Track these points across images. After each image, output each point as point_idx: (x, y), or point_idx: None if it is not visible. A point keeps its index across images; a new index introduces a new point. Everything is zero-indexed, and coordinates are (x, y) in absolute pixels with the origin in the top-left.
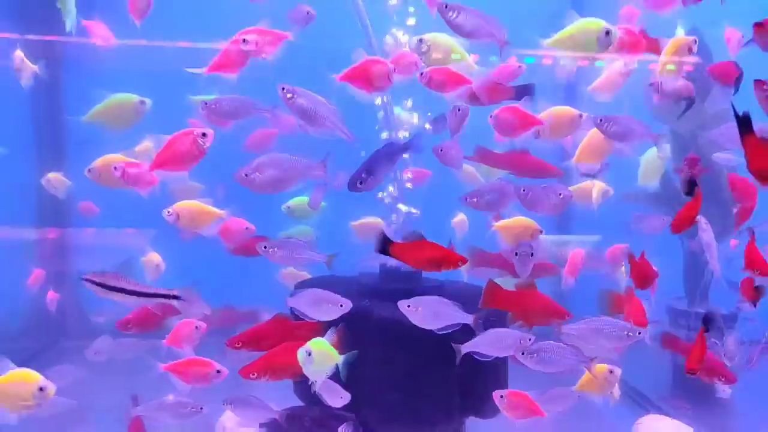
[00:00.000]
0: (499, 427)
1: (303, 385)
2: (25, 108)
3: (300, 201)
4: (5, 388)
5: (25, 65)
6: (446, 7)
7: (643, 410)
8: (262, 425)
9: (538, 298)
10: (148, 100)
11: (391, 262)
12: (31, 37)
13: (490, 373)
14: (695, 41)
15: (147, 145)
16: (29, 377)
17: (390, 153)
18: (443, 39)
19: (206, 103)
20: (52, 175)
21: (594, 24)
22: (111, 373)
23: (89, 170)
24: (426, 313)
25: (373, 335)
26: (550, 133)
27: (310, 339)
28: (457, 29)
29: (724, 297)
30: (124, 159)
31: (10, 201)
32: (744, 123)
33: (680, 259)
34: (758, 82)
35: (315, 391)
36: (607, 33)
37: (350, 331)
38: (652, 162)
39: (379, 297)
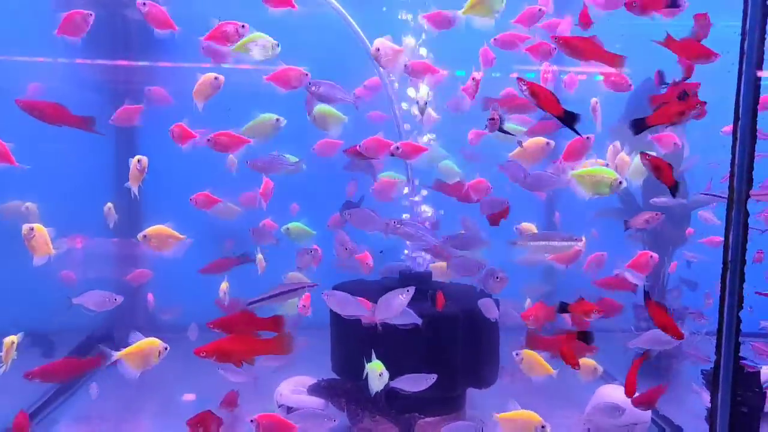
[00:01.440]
0: (490, 394)
1: (339, 362)
2: (109, 134)
3: (296, 225)
4: (138, 351)
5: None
6: (310, 83)
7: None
8: (309, 390)
9: (569, 341)
10: (282, 119)
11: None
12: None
13: (484, 355)
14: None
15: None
16: (154, 342)
17: None
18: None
19: (248, 162)
20: (108, 205)
21: (612, 174)
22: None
23: (144, 236)
24: (336, 301)
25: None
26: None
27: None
28: (319, 98)
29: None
30: (169, 231)
31: (95, 216)
32: (645, 295)
33: None
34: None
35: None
36: (620, 183)
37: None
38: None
39: None
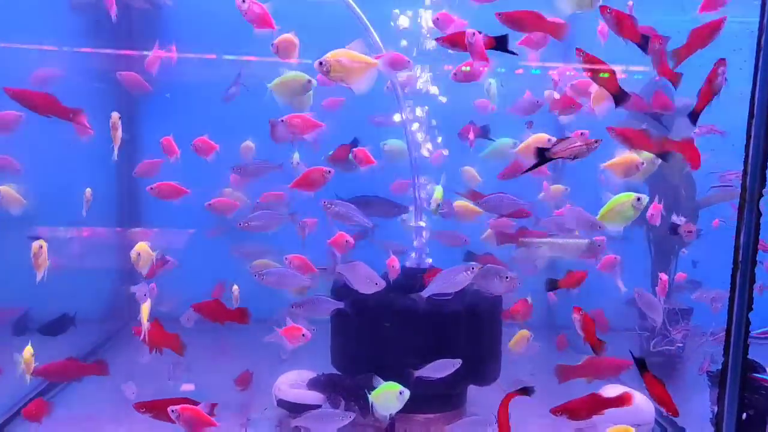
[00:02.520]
0: (490, 392)
1: (339, 356)
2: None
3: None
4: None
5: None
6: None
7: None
8: (308, 385)
9: (602, 362)
10: (313, 80)
11: (411, 263)
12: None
13: (486, 352)
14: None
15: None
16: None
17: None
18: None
19: (233, 168)
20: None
21: (629, 196)
22: None
23: (138, 254)
24: (273, 278)
25: (395, 319)
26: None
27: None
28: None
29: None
30: (147, 249)
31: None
32: (641, 365)
33: (648, 262)
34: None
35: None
36: (639, 199)
37: (379, 316)
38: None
39: (401, 290)
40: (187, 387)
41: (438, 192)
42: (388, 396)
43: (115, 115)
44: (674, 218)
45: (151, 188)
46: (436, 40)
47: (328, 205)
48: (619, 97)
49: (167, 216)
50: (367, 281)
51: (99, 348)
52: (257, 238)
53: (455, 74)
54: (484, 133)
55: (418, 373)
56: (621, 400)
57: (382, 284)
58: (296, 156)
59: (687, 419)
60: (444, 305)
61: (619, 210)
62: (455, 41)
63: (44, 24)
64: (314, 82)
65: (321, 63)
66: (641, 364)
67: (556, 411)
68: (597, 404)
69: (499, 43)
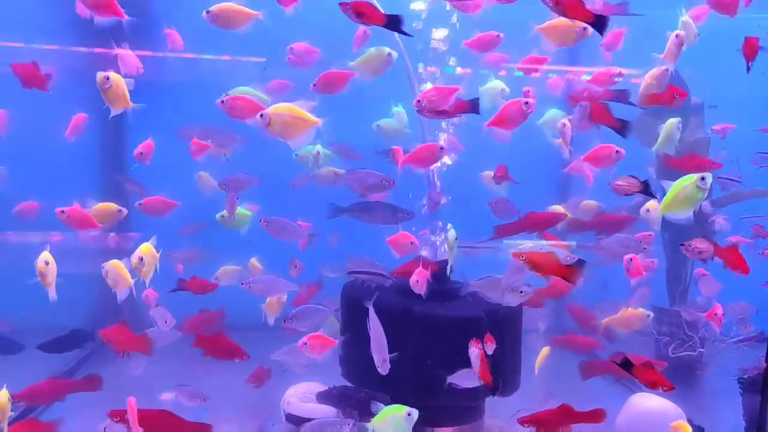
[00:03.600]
0: (512, 403)
1: (350, 367)
2: (94, 124)
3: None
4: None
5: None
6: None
7: (632, 392)
8: (318, 398)
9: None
10: (394, 52)
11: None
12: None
13: (509, 361)
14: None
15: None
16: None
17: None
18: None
19: (219, 182)
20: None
21: (690, 178)
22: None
23: (140, 259)
24: (261, 286)
25: (413, 327)
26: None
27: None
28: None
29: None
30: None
31: None
32: (625, 364)
33: (663, 267)
34: None
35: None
36: (703, 178)
37: (393, 324)
38: (672, 131)
39: (415, 295)
40: (167, 396)
41: (451, 233)
42: (394, 420)
43: (100, 74)
44: (705, 205)
45: (62, 211)
46: (340, 5)
47: (264, 223)
48: (599, 24)
49: (156, 220)
50: (376, 344)
51: (86, 360)
52: (192, 241)
53: (418, 101)
54: (473, 107)
55: (450, 379)
56: (594, 416)
57: (386, 370)
58: (318, 147)
59: (716, 428)
60: (464, 312)
61: (685, 195)
62: (361, 11)
63: (25, 21)
64: (394, 54)
65: (262, 115)
66: (625, 364)
67: (523, 421)
68: (567, 416)
69: (392, 23)
